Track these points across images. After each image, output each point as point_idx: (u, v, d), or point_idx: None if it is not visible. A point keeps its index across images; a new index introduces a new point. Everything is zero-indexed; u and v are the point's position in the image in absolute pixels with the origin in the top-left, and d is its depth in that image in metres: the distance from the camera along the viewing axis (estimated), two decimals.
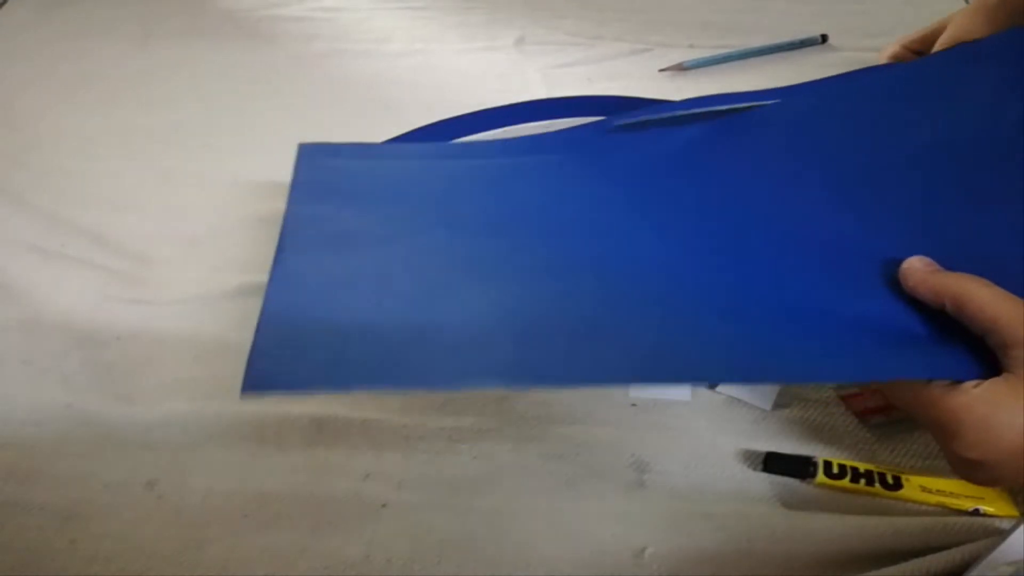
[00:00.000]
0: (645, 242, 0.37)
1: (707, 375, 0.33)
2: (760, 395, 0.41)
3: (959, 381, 0.29)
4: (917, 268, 0.32)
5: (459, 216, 0.40)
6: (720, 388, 0.42)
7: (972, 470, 0.29)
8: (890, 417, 0.40)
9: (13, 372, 0.44)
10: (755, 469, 0.38)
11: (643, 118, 0.44)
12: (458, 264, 0.37)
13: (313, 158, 0.45)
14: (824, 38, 0.73)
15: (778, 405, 0.41)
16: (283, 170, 0.59)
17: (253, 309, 0.48)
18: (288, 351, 0.32)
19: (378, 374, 0.31)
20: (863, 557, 0.34)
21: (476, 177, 0.42)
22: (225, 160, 0.60)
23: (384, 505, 0.37)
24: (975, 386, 0.29)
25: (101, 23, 0.78)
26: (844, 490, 0.37)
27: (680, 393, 0.42)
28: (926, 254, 0.33)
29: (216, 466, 0.39)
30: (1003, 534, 0.30)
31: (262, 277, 0.49)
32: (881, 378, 0.32)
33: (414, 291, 0.35)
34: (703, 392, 0.42)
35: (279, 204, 0.55)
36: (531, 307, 0.34)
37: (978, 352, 0.30)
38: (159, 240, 0.53)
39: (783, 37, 0.72)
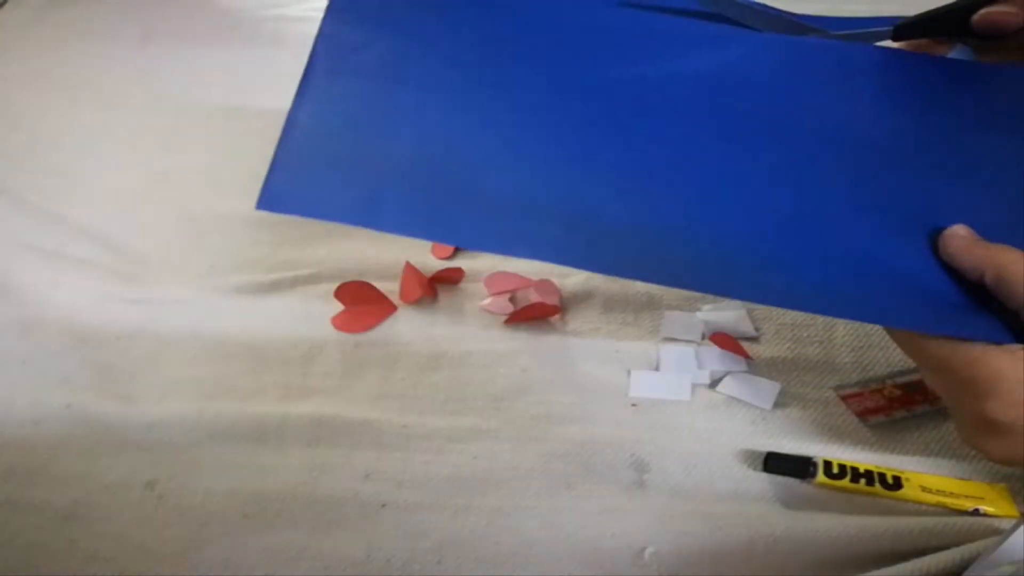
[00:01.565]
0: (707, 150, 0.36)
1: (743, 293, 0.32)
2: (760, 395, 0.41)
3: (999, 343, 0.28)
4: (960, 235, 0.31)
5: (513, 70, 0.37)
6: (720, 388, 0.42)
7: (994, 435, 0.29)
8: (890, 417, 0.40)
9: (13, 372, 0.44)
10: (755, 469, 0.38)
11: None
12: (506, 125, 0.35)
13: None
14: None
15: (778, 405, 0.41)
16: None
17: (253, 309, 0.48)
18: (313, 173, 0.31)
19: (413, 220, 0.30)
20: (863, 557, 0.34)
21: (543, 27, 0.39)
22: (225, 160, 0.60)
23: (384, 505, 0.37)
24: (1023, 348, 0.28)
25: (101, 23, 0.78)
26: (844, 490, 0.37)
27: (680, 393, 0.42)
28: (978, 224, 0.32)
29: (216, 466, 0.39)
30: (1003, 534, 0.30)
31: (262, 277, 0.50)
32: (927, 331, 0.31)
33: (460, 143, 0.33)
34: (703, 392, 0.42)
35: None
36: (582, 192, 0.33)
37: (1011, 326, 0.29)
38: (159, 240, 0.53)
39: None
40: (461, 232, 0.31)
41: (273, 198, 0.29)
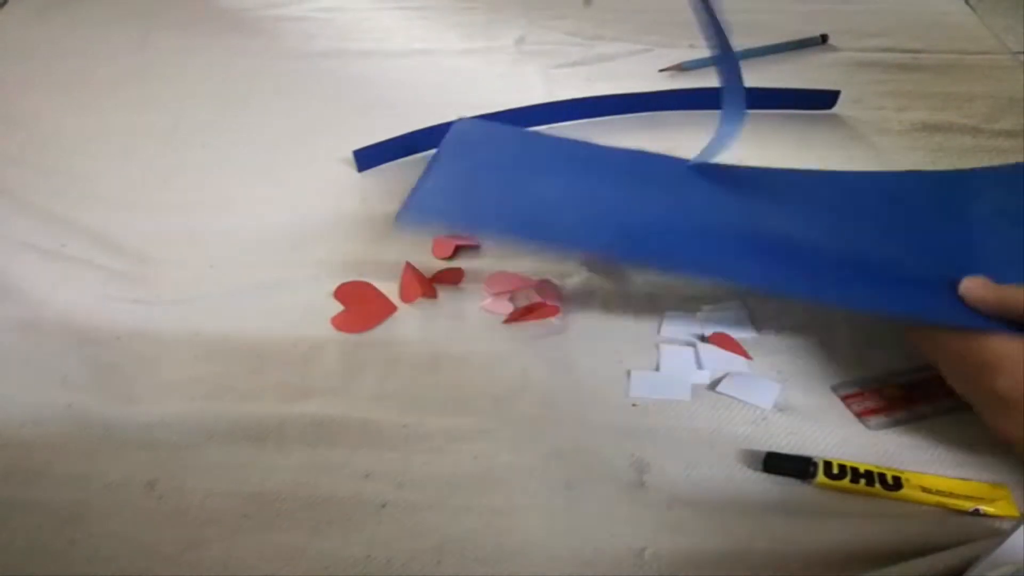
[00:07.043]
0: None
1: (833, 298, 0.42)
2: (760, 395, 0.41)
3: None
4: (979, 285, 0.37)
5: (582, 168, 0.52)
6: (720, 388, 0.42)
7: (1005, 414, 0.33)
8: (890, 417, 0.40)
9: (13, 372, 0.44)
10: (755, 469, 0.38)
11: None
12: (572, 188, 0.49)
13: (461, 134, 0.54)
14: (824, 38, 0.73)
15: (778, 405, 0.41)
16: (282, 170, 0.59)
17: (253, 309, 0.48)
18: (439, 202, 0.46)
19: (506, 225, 0.45)
20: (863, 557, 0.34)
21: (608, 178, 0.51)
22: (224, 160, 0.60)
23: (384, 505, 0.37)
24: None
25: (101, 23, 0.78)
26: (844, 490, 0.37)
27: (680, 393, 0.42)
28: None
29: (216, 466, 0.39)
30: (1003, 534, 0.30)
31: (262, 276, 0.50)
32: (954, 323, 0.36)
33: (543, 196, 0.47)
34: (703, 392, 0.42)
35: (279, 203, 0.56)
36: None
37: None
38: (159, 240, 0.53)
39: (783, 37, 0.73)
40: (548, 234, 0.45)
41: (411, 219, 0.45)
